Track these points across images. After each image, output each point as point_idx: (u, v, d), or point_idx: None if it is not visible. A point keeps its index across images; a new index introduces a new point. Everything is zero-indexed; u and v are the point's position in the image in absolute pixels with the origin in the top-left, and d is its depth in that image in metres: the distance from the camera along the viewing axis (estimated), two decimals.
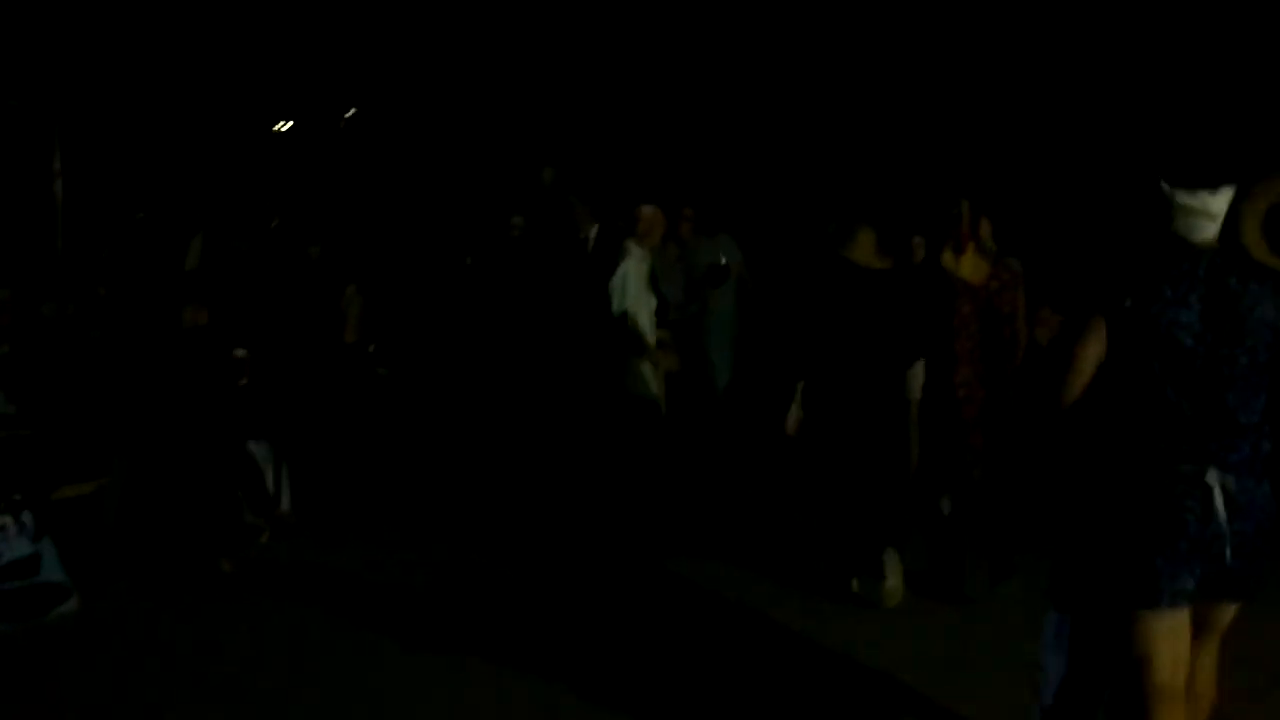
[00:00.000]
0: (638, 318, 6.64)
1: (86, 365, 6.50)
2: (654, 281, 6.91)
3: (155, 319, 7.17)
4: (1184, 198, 3.18)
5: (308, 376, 7.52)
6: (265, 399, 6.79)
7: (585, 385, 7.13)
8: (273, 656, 5.03)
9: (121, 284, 7.75)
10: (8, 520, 5.40)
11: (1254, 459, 3.13)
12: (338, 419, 7.84)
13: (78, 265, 9.25)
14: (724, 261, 8.38)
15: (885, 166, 10.02)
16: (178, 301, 7.06)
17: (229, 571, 6.08)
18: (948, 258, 6.52)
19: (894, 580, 5.56)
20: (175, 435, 6.22)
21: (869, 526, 5.62)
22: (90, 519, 5.97)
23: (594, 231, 7.77)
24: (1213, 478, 3.09)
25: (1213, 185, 3.19)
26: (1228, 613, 3.32)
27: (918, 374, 6.44)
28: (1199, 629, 3.28)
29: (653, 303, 6.82)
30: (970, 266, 6.47)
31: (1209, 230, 3.18)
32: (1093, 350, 3.18)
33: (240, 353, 6.57)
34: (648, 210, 6.98)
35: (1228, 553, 3.11)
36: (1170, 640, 3.19)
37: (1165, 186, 3.21)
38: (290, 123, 15.71)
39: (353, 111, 15.40)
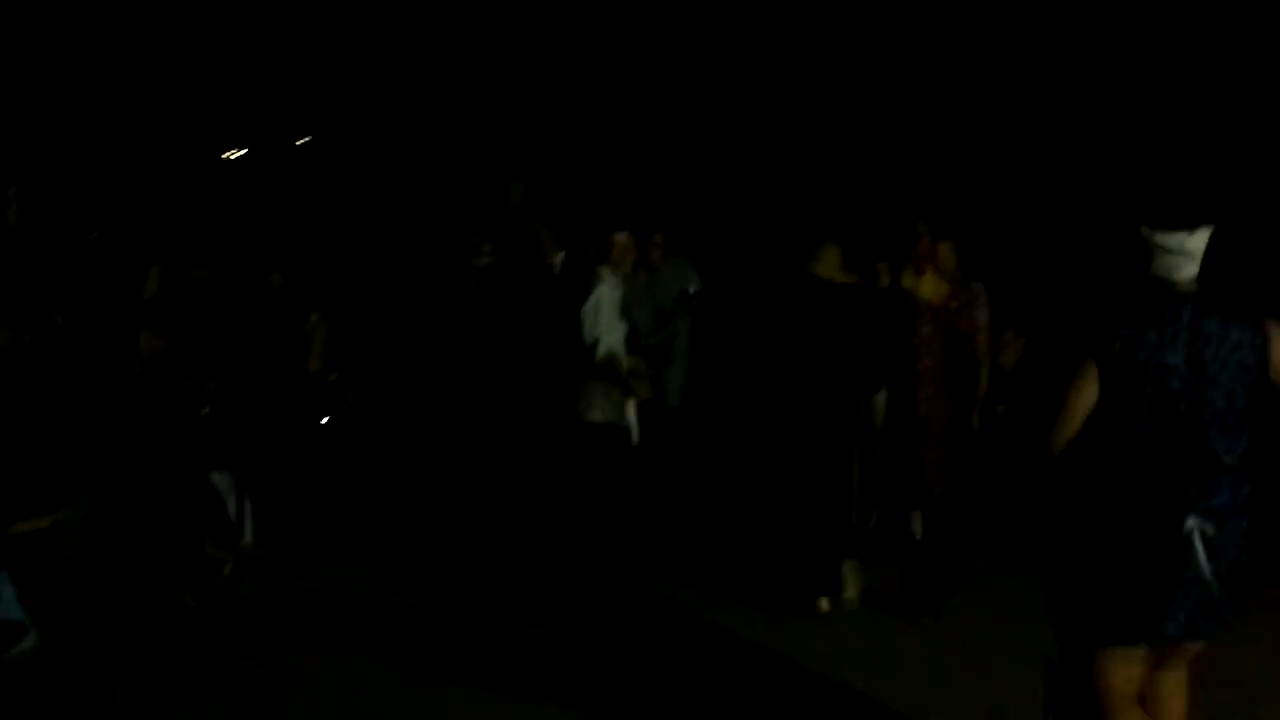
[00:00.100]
0: (610, 345, 6.63)
1: (43, 396, 6.36)
2: (626, 309, 6.91)
3: (113, 348, 7.06)
4: (1163, 238, 3.22)
5: (271, 406, 7.42)
6: (228, 429, 6.69)
7: (551, 412, 7.10)
8: (237, 691, 4.93)
9: (79, 312, 7.61)
10: None
11: (1234, 501, 3.17)
12: (302, 449, 7.74)
13: (33, 293, 9.08)
14: (691, 290, 8.41)
15: (851, 191, 10.10)
16: (136, 330, 6.96)
17: (192, 606, 5.96)
18: (908, 278, 6.71)
19: (852, 591, 5.66)
20: (136, 467, 6.11)
21: (825, 544, 5.65)
22: (48, 554, 5.83)
23: (560, 258, 7.76)
24: (1192, 524, 3.11)
25: (1190, 225, 3.22)
26: (1197, 644, 3.35)
27: (881, 400, 6.54)
28: (1166, 656, 3.32)
29: (624, 330, 6.81)
30: (930, 286, 6.67)
31: (1188, 270, 3.23)
32: (1086, 395, 3.21)
33: (208, 385, 6.47)
34: (621, 237, 7.00)
35: (1213, 593, 3.14)
36: (1125, 664, 3.26)
37: (1144, 229, 3.25)
38: (244, 150, 15.56)
39: (308, 139, 15.28)
